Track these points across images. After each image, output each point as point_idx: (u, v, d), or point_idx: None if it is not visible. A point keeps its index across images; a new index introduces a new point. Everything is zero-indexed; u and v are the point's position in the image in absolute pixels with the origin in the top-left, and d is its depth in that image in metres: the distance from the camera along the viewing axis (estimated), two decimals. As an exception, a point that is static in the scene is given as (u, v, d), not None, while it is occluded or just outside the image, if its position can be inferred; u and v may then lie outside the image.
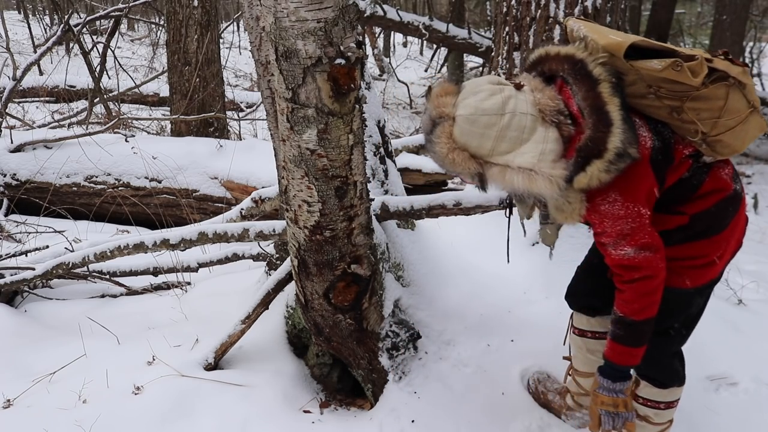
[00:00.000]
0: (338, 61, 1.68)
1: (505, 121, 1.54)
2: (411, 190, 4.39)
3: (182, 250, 2.92)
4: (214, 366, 2.41)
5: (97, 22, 10.15)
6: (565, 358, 2.25)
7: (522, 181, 1.55)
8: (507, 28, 3.44)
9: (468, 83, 1.64)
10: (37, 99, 8.07)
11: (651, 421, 1.95)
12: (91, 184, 4.71)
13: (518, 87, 1.61)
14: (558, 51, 1.66)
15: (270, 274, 2.74)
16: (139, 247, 2.88)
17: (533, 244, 2.98)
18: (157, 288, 3.37)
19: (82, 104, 7.33)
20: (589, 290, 2.05)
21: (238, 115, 7.07)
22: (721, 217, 1.72)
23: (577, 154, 1.53)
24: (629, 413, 1.75)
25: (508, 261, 2.14)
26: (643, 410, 1.95)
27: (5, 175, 4.74)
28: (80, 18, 7.41)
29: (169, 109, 6.32)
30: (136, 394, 2.26)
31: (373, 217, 2.27)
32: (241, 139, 6.31)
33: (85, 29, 6.55)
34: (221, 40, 6.98)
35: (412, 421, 2.14)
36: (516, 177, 1.55)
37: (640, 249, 1.58)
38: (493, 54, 3.64)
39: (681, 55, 1.54)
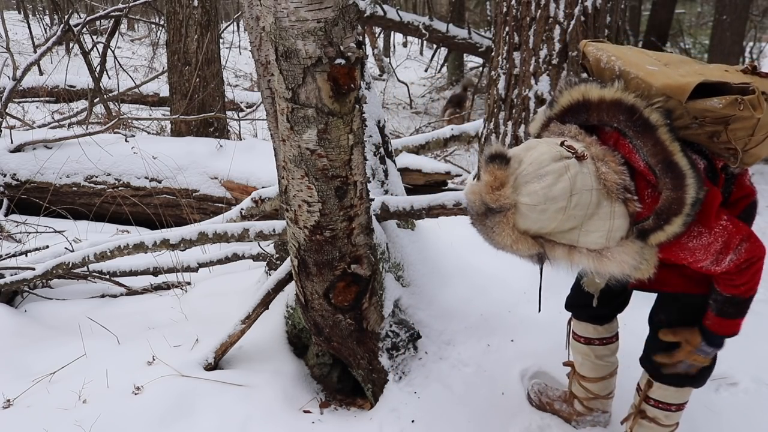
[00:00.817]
0: (338, 61, 1.68)
1: (572, 203, 1.41)
2: (411, 190, 4.39)
3: (182, 250, 2.92)
4: (214, 366, 2.41)
5: (97, 22, 10.15)
6: (566, 364, 2.23)
7: (592, 263, 1.46)
8: (507, 28, 3.44)
9: (525, 157, 1.47)
10: (37, 99, 8.07)
11: (660, 423, 1.93)
12: (91, 184, 4.72)
13: (581, 158, 1.46)
14: (601, 97, 1.53)
15: (270, 274, 2.74)
16: (139, 247, 2.88)
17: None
18: (157, 288, 3.37)
19: (82, 104, 7.33)
20: (600, 299, 1.98)
21: (238, 115, 7.07)
22: (747, 221, 1.72)
23: (657, 217, 1.45)
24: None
25: (540, 310, 2.02)
26: (653, 412, 1.92)
27: (5, 175, 4.74)
28: (80, 18, 7.42)
29: (169, 109, 6.32)
30: (136, 394, 2.26)
31: (373, 217, 2.27)
32: (241, 139, 6.31)
33: (85, 29, 6.55)
34: (221, 40, 6.98)
35: (412, 421, 2.14)
36: (584, 259, 1.46)
37: (738, 248, 1.52)
38: (493, 54, 3.64)
39: (733, 88, 1.48)
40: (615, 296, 1.98)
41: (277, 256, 2.79)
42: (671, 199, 1.43)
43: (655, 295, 1.92)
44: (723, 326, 1.71)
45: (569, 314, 2.17)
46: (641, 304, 1.99)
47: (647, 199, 1.48)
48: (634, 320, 2.10)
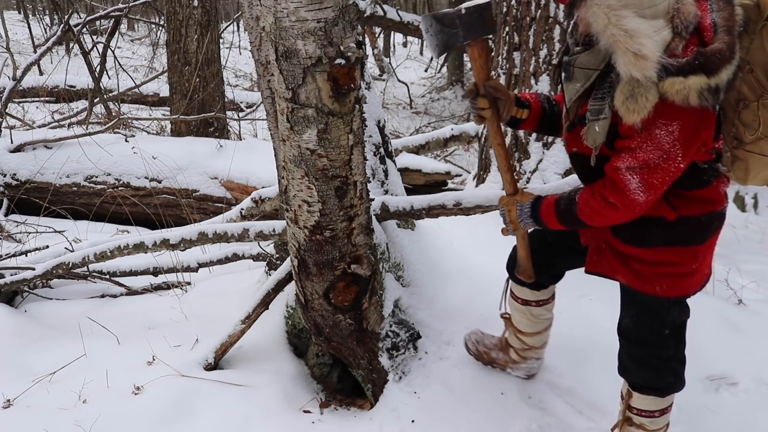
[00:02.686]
0: (338, 61, 1.68)
1: None
2: (411, 190, 4.39)
3: (182, 250, 2.92)
4: (214, 366, 2.42)
5: (97, 22, 10.14)
6: (502, 316, 2.30)
7: (615, 36, 1.43)
8: (507, 28, 3.44)
9: None
10: (37, 99, 8.07)
11: (647, 429, 1.93)
12: (91, 184, 4.72)
13: None
14: None
15: (270, 274, 2.74)
16: (139, 247, 2.88)
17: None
18: (157, 288, 3.37)
19: (82, 104, 7.33)
20: (538, 269, 2.05)
21: (238, 115, 7.07)
22: (706, 229, 1.71)
23: (695, 57, 1.42)
24: (512, 232, 1.92)
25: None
26: (638, 420, 1.92)
27: (5, 175, 4.74)
28: (80, 18, 7.42)
29: (169, 109, 6.32)
30: (136, 394, 2.26)
31: (373, 217, 2.27)
32: (241, 139, 6.31)
33: (85, 29, 6.55)
34: (221, 40, 6.98)
35: (412, 421, 2.14)
36: (615, 31, 1.43)
37: (641, 188, 1.54)
38: (493, 54, 3.64)
39: None
40: (555, 267, 2.07)
41: (277, 256, 2.79)
42: (718, 51, 1.42)
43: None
44: (547, 209, 1.79)
45: (568, 312, 2.18)
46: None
47: (688, 51, 1.45)
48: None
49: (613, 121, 1.54)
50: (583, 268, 1.90)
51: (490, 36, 1.69)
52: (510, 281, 2.19)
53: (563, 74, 1.68)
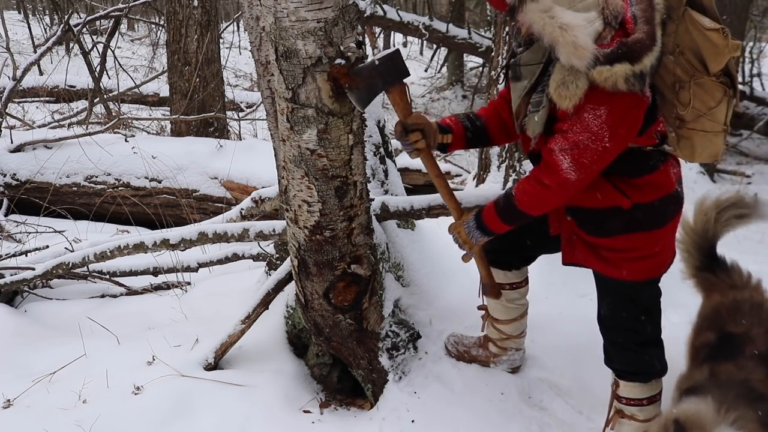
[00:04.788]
0: (338, 61, 1.69)
1: None
2: (411, 190, 4.39)
3: (182, 250, 2.92)
4: (214, 366, 2.41)
5: (97, 22, 10.13)
6: (480, 308, 2.35)
7: (553, 32, 1.54)
8: (507, 28, 3.44)
9: None
10: (37, 99, 8.07)
11: (637, 419, 1.98)
12: (91, 184, 4.72)
13: None
14: None
15: (270, 274, 2.74)
16: (139, 247, 2.88)
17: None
18: (157, 288, 3.37)
19: (82, 104, 7.33)
20: (508, 249, 2.15)
21: (238, 115, 7.06)
22: (662, 213, 1.80)
23: (618, 47, 1.54)
24: (469, 252, 1.96)
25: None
26: (629, 410, 1.99)
27: (5, 175, 4.74)
28: (80, 18, 7.41)
29: (169, 109, 6.32)
30: (136, 394, 2.26)
31: (373, 217, 2.27)
32: (241, 139, 6.31)
33: (85, 29, 6.55)
34: (221, 40, 6.98)
35: (412, 421, 2.14)
36: (552, 29, 1.55)
37: (572, 168, 1.64)
38: (493, 54, 3.64)
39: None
40: (525, 249, 2.15)
41: (277, 256, 2.79)
42: (638, 41, 1.54)
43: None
44: (489, 213, 1.85)
45: (568, 312, 2.19)
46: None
47: (614, 42, 1.56)
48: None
49: (552, 112, 1.66)
50: (564, 260, 1.99)
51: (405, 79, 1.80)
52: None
53: (511, 75, 1.80)
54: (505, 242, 2.11)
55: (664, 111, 1.72)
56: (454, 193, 2.01)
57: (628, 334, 1.93)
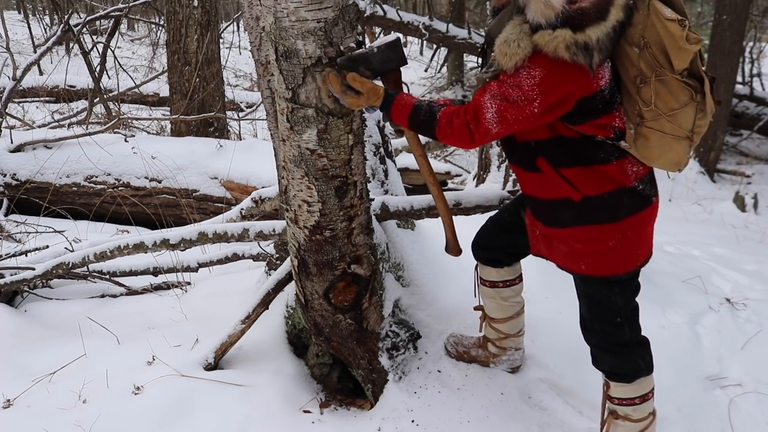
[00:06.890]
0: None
1: None
2: (411, 190, 4.39)
3: (182, 250, 2.92)
4: (214, 366, 2.41)
5: (97, 22, 10.14)
6: (476, 308, 2.36)
7: None
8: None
9: None
10: (37, 99, 8.07)
11: (632, 419, 1.98)
12: (91, 184, 4.71)
13: None
14: None
15: (270, 274, 2.74)
16: (139, 247, 2.88)
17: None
18: (157, 288, 3.37)
19: (82, 104, 7.33)
20: (497, 246, 2.17)
21: (238, 115, 7.07)
22: (615, 207, 1.76)
23: (561, 12, 1.52)
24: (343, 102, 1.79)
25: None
26: (622, 410, 1.99)
27: (5, 175, 4.74)
28: (80, 18, 7.41)
29: (169, 109, 6.32)
30: (136, 394, 2.26)
31: (373, 217, 2.27)
32: (241, 139, 6.31)
33: (85, 29, 6.54)
34: (221, 40, 6.98)
35: (412, 421, 2.14)
36: None
37: (495, 119, 1.64)
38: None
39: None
40: (514, 246, 2.14)
41: (277, 256, 2.79)
42: (582, 10, 1.52)
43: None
44: (404, 110, 1.75)
45: (567, 312, 2.19)
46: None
47: (570, 7, 1.54)
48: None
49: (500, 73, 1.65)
50: (532, 250, 2.01)
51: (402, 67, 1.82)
52: (478, 266, 2.27)
53: (487, 51, 1.79)
54: (498, 240, 2.14)
55: (627, 106, 1.69)
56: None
57: (608, 337, 1.93)
